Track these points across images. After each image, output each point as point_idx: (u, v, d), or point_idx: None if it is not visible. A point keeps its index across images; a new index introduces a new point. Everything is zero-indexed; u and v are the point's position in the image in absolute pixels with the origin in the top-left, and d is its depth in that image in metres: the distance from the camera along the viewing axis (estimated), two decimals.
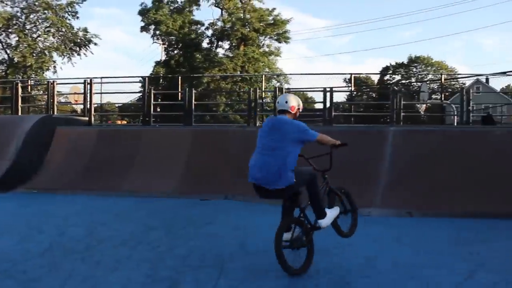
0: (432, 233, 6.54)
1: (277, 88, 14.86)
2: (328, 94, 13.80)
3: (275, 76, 38.10)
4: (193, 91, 14.46)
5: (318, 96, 28.95)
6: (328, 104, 13.85)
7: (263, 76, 19.73)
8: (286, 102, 5.18)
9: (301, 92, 31.78)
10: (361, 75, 46.78)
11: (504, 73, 21.49)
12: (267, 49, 41.33)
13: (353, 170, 9.02)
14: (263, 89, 16.78)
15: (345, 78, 34.59)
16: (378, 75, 58.83)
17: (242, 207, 8.51)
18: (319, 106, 17.61)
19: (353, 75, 18.31)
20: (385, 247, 5.71)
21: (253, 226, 6.89)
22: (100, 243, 5.90)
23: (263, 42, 41.49)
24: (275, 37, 41.02)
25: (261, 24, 39.47)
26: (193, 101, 13.97)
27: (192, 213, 7.99)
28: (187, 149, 11.26)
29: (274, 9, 41.28)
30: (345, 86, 29.26)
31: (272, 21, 40.40)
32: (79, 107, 21.38)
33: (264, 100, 16.72)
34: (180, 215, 7.86)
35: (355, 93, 21.94)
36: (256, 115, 13.86)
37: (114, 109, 28.31)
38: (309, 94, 40.36)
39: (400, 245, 5.85)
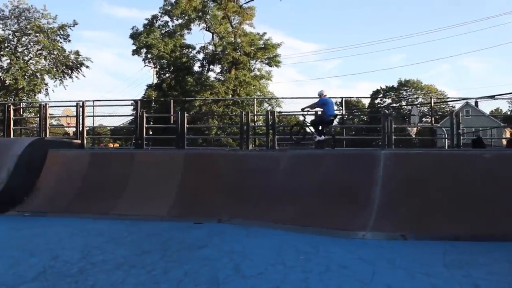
0: (425, 256, 6.55)
1: (269, 111, 14.95)
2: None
3: (266, 100, 38.30)
4: (186, 114, 14.51)
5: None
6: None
7: (255, 99, 19.76)
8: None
9: (293, 116, 31.94)
10: (351, 99, 47.17)
11: (492, 96, 21.65)
12: (258, 73, 41.58)
13: (346, 193, 9.09)
14: (255, 113, 16.84)
15: (336, 102, 34.80)
16: (369, 99, 59.45)
17: (237, 230, 8.49)
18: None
19: (344, 99, 18.45)
20: (379, 271, 5.71)
21: (248, 249, 6.88)
22: (94, 266, 5.85)
23: (254, 66, 41.76)
24: (266, 61, 41.33)
25: (252, 48, 39.76)
26: (186, 124, 14.01)
27: (186, 236, 7.95)
28: (180, 172, 11.27)
29: (265, 33, 41.65)
30: (336, 110, 29.41)
31: (262, 45, 40.71)
32: (71, 130, 21.39)
33: (256, 124, 16.79)
34: (174, 238, 7.82)
35: (346, 116, 22.05)
36: (248, 138, 13.92)
37: (106, 132, 28.26)
38: (301, 118, 40.65)
39: (394, 268, 5.85)
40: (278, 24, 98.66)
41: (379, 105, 55.55)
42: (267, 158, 11.24)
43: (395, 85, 63.21)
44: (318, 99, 13.58)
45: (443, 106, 46.20)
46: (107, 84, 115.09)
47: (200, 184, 10.79)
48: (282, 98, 34.78)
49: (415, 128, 21.58)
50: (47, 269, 5.72)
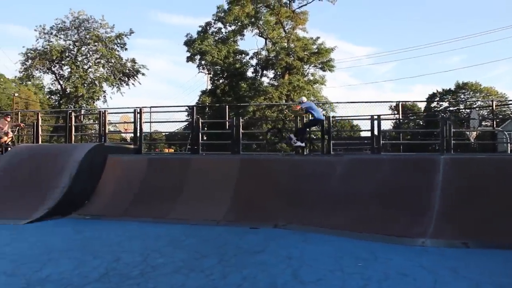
0: (490, 265, 6.31)
1: (324, 116, 14.82)
2: (375, 122, 13.69)
3: (320, 104, 38.04)
4: (241, 119, 14.60)
5: (363, 124, 28.81)
6: (376, 132, 13.73)
7: None
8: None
9: (347, 120, 31.60)
10: (406, 103, 46.25)
11: None
12: (311, 78, 41.37)
13: (404, 199, 8.90)
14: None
15: (390, 106, 34.18)
16: (425, 102, 58.06)
17: (293, 236, 8.45)
18: (363, 134, 17.52)
19: (400, 103, 18.09)
20: (442, 280, 5.54)
21: (306, 255, 6.83)
22: (155, 269, 5.97)
23: (307, 71, 41.58)
24: (320, 66, 41.07)
25: (305, 53, 39.60)
26: (241, 129, 14.09)
27: (243, 241, 7.98)
28: (236, 177, 11.35)
29: (318, 38, 41.39)
30: (391, 114, 28.89)
31: (316, 50, 40.49)
32: (128, 136, 21.96)
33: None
34: (230, 243, 7.88)
35: (401, 120, 21.55)
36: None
37: (161, 138, 28.83)
38: (354, 122, 40.17)
39: (457, 278, 5.66)
40: (329, 28, 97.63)
41: (435, 109, 54.14)
42: (323, 163, 11.17)
43: (452, 88, 61.47)
44: (303, 104, 13.52)
45: (504, 109, 44.55)
46: (161, 90, 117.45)
47: (255, 189, 10.83)
48: (336, 102, 34.57)
49: (474, 132, 20.90)
50: (109, 271, 5.88)
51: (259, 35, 43.62)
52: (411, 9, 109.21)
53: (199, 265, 6.24)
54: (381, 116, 14.32)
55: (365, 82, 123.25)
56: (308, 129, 14.02)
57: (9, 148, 15.85)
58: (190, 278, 5.58)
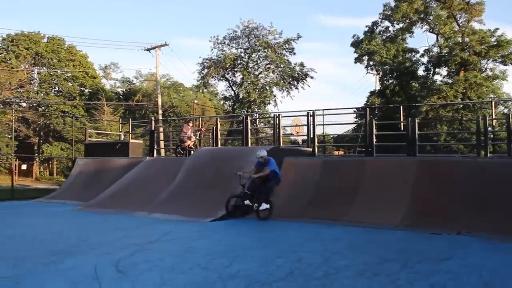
0: None
1: (510, 115, 13.49)
2: None
3: (501, 102, 35.08)
4: (416, 120, 14.01)
5: None
6: None
7: (493, 102, 18.17)
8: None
9: None
10: None
11: None
12: (490, 73, 38.29)
13: None
14: (493, 117, 15.41)
15: None
16: None
17: (481, 243, 7.88)
18: None
19: None
20: None
21: (499, 266, 6.32)
22: (338, 271, 5.96)
23: (485, 66, 38.59)
24: (500, 60, 37.84)
25: (482, 47, 36.82)
26: (417, 131, 13.52)
27: (426, 247, 7.65)
28: (413, 179, 10.98)
29: (497, 29, 38.08)
30: None
31: (495, 43, 37.39)
32: (299, 138, 22.43)
33: (494, 128, 15.47)
34: (412, 248, 7.60)
35: None
36: (487, 144, 12.85)
37: (329, 140, 29.00)
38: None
39: None
40: (506, 17, 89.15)
41: None
42: (511, 165, 10.28)
43: None
44: (268, 162, 11.60)
45: None
46: (326, 92, 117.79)
47: (434, 192, 10.37)
48: None
49: None
50: (293, 270, 6.01)
51: (429, 31, 41.61)
52: None
53: (383, 269, 6.11)
54: None
55: None
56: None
57: (192, 152, 17.11)
58: (375, 282, 5.46)
